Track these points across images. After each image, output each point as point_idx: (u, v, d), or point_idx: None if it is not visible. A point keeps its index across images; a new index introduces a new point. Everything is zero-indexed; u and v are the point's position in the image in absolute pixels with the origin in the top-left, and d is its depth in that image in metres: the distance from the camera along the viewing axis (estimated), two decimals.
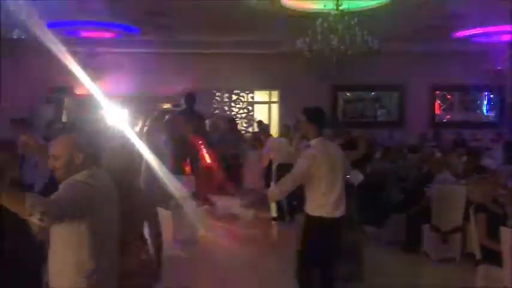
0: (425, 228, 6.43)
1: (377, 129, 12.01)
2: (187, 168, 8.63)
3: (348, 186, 4.68)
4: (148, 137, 7.13)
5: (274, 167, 8.72)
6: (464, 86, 13.76)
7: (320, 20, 7.94)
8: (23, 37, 7.43)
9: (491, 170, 7.44)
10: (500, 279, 4.24)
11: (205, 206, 8.05)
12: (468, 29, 10.87)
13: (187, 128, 8.10)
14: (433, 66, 13.11)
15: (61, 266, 2.49)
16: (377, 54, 8.41)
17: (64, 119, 12.71)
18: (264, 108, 14.68)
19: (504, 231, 4.17)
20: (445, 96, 14.58)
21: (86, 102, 12.24)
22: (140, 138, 6.22)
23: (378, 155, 8.61)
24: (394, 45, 11.03)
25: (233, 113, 14.25)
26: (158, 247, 3.26)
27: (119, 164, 3.08)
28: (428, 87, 14.16)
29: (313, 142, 4.19)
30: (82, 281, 2.46)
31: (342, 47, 7.97)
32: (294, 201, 7.73)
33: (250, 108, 14.51)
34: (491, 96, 14.52)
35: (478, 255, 4.48)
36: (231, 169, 9.75)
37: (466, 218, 5.64)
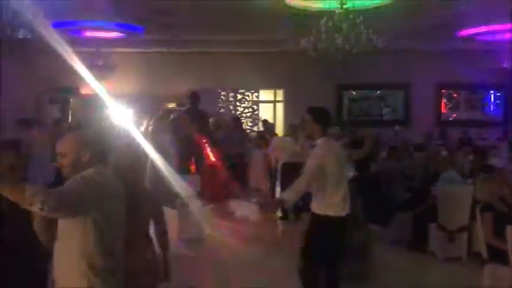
0: (432, 227, 6.40)
1: (383, 128, 11.97)
2: (193, 168, 8.64)
3: (353, 185, 4.69)
4: (153, 137, 7.15)
5: (279, 166, 8.72)
6: (470, 84, 13.70)
7: (325, 18, 7.92)
8: (28, 37, 7.45)
9: (498, 168, 7.41)
10: (507, 278, 4.22)
11: (211, 205, 8.04)
12: (473, 28, 10.82)
13: (191, 127, 8.10)
14: (438, 64, 13.06)
15: (66, 263, 2.49)
16: (381, 53, 8.38)
17: (70, 119, 12.75)
18: (269, 107, 14.68)
19: (511, 230, 4.15)
20: (451, 95, 14.53)
21: (91, 102, 12.30)
22: (145, 138, 6.24)
23: (383, 154, 8.58)
24: (399, 43, 11.01)
25: (238, 112, 14.26)
26: (164, 246, 3.27)
27: (125, 163, 3.09)
28: (434, 85, 14.11)
29: (318, 141, 4.23)
30: (88, 279, 2.46)
31: (346, 46, 7.95)
32: (300, 201, 7.72)
33: (255, 107, 14.52)
34: (498, 94, 14.45)
35: (485, 254, 4.46)
36: (236, 168, 9.74)
37: (473, 217, 5.62)
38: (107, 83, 11.05)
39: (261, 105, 14.59)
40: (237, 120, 11.01)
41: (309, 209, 4.40)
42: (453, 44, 12.08)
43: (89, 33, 11.31)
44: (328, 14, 8.06)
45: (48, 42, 6.61)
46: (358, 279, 5.12)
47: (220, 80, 13.64)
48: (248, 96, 14.45)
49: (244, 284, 5.35)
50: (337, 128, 5.53)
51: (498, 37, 11.13)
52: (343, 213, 4.19)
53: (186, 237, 6.75)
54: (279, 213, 8.62)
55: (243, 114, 14.28)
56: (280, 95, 14.50)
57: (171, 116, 8.80)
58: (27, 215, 2.73)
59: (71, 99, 13.39)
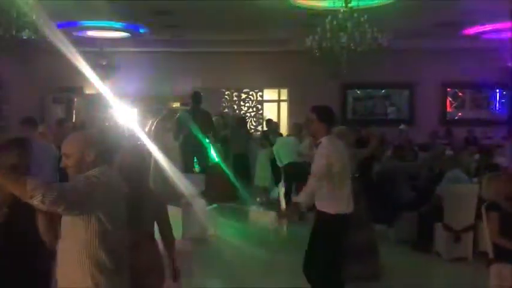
0: (437, 227, 6.36)
1: (387, 127, 11.92)
2: (197, 167, 8.65)
3: (357, 185, 4.69)
4: (158, 136, 7.16)
5: (283, 165, 8.70)
6: (476, 83, 13.62)
7: (329, 17, 7.89)
8: (33, 37, 7.46)
9: (504, 167, 7.37)
10: None
11: (215, 205, 8.05)
12: (478, 26, 10.77)
13: (195, 127, 8.12)
14: (443, 63, 13.01)
15: (70, 263, 2.49)
16: (386, 52, 8.35)
17: (74, 119, 12.78)
18: (273, 106, 14.67)
19: None
20: (456, 94, 14.46)
21: (95, 102, 12.34)
22: (149, 137, 6.25)
23: (388, 153, 8.55)
24: (403, 42, 10.95)
25: (242, 111, 14.25)
26: (170, 246, 3.26)
27: (130, 163, 3.09)
28: (439, 84, 14.04)
29: (323, 140, 4.26)
30: (92, 278, 2.45)
31: (351, 45, 7.92)
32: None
33: (259, 106, 14.50)
34: (503, 93, 14.37)
35: (491, 254, 4.42)
36: (240, 168, 9.75)
37: (478, 216, 5.58)
38: (110, 83, 11.08)
39: (265, 104, 14.57)
40: (241, 119, 11.01)
41: (310, 209, 4.42)
42: (458, 42, 12.01)
43: (92, 33, 11.32)
44: (332, 12, 8.03)
45: (52, 42, 6.63)
46: (365, 279, 5.10)
47: (224, 80, 13.64)
48: (252, 95, 14.44)
49: (249, 284, 5.33)
50: (344, 127, 5.52)
51: (504, 35, 11.06)
52: (348, 211, 4.26)
53: (190, 237, 6.75)
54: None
55: (247, 114, 14.28)
56: (284, 94, 14.49)
57: (175, 116, 8.82)
58: (32, 215, 2.73)
59: (75, 99, 13.42)
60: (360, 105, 14.34)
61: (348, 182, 4.30)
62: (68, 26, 9.89)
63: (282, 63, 13.11)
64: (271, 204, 9.49)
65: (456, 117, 14.38)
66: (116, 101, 9.09)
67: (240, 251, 6.63)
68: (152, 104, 12.02)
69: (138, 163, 3.18)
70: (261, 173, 9.71)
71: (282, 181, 9.20)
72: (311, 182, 4.19)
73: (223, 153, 9.73)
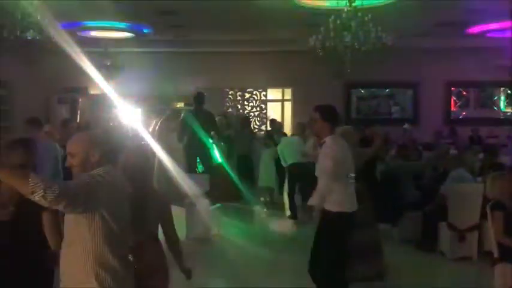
0: (442, 226, 6.35)
1: (391, 127, 11.89)
2: (199, 167, 8.66)
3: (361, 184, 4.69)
4: (161, 136, 7.17)
5: (287, 165, 8.69)
6: (480, 82, 13.56)
7: (333, 16, 7.88)
8: (37, 38, 7.49)
9: (508, 166, 7.34)
10: None
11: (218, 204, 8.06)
12: (482, 24, 10.72)
13: (199, 127, 8.14)
14: (447, 62, 12.96)
15: (74, 263, 2.49)
16: (390, 51, 8.33)
17: (78, 119, 12.81)
18: (277, 106, 14.66)
19: None
20: (460, 93, 14.41)
21: (100, 102, 12.36)
22: (153, 138, 6.26)
23: (392, 153, 8.54)
24: (407, 41, 10.92)
25: (246, 111, 14.25)
26: (175, 246, 3.27)
27: (134, 163, 3.09)
28: (444, 83, 13.99)
29: (327, 140, 4.27)
30: (96, 279, 2.46)
31: (355, 44, 7.90)
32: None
33: (263, 106, 14.50)
34: (508, 92, 14.30)
35: (495, 254, 4.41)
36: (244, 168, 9.75)
37: (483, 216, 5.56)
38: (115, 83, 11.09)
39: (269, 104, 14.56)
40: (245, 119, 11.02)
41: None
42: (463, 41, 11.96)
43: (97, 34, 11.35)
44: (336, 12, 8.02)
45: (57, 42, 6.65)
46: (369, 279, 5.09)
47: (228, 79, 13.64)
48: (256, 95, 14.43)
49: (253, 283, 5.33)
50: (349, 126, 5.53)
51: (508, 34, 11.01)
52: (352, 210, 4.28)
53: (193, 237, 6.76)
54: (288, 213, 8.61)
55: (251, 114, 14.28)
56: (288, 93, 14.47)
57: (179, 116, 8.83)
58: (38, 214, 2.74)
59: (80, 99, 13.45)
60: (364, 105, 14.31)
61: (352, 181, 4.31)
62: (72, 26, 9.91)
63: (286, 62, 13.10)
64: (275, 204, 9.49)
65: (460, 117, 14.33)
66: (120, 101, 9.11)
67: (243, 251, 6.63)
68: (156, 104, 12.04)
69: (142, 163, 3.19)
70: (265, 173, 9.69)
71: (286, 181, 9.19)
72: (322, 183, 4.20)
73: (227, 153, 9.74)
